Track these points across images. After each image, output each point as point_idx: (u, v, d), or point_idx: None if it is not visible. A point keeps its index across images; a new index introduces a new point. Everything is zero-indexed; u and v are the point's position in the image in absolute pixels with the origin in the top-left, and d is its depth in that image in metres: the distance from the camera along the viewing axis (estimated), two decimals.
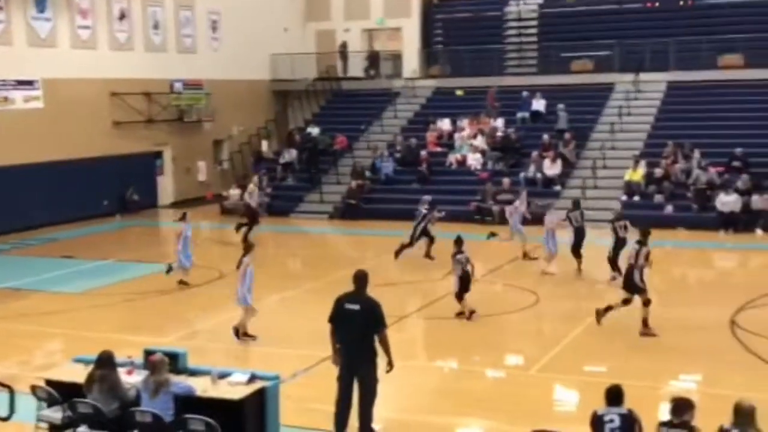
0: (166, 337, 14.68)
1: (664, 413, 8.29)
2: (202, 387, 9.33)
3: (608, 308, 14.67)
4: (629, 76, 31.06)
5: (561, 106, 29.86)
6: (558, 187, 27.14)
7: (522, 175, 27.67)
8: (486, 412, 11.45)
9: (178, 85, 31.36)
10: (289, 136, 33.53)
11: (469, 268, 15.45)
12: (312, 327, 14.51)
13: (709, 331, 14.62)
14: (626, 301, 14.50)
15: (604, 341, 14.32)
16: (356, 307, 9.87)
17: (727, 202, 23.56)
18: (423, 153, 29.68)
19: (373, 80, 35.75)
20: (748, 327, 14.69)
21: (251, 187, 25.30)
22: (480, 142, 29.79)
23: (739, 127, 27.47)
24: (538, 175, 27.46)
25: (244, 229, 23.62)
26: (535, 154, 27.96)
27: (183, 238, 18.30)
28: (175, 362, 9.58)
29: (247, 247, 14.81)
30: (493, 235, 20.38)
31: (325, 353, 12.40)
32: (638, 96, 30.65)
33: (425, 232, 20.87)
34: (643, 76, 30.99)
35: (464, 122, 30.82)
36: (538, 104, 30.71)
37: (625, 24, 33.13)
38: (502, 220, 25.58)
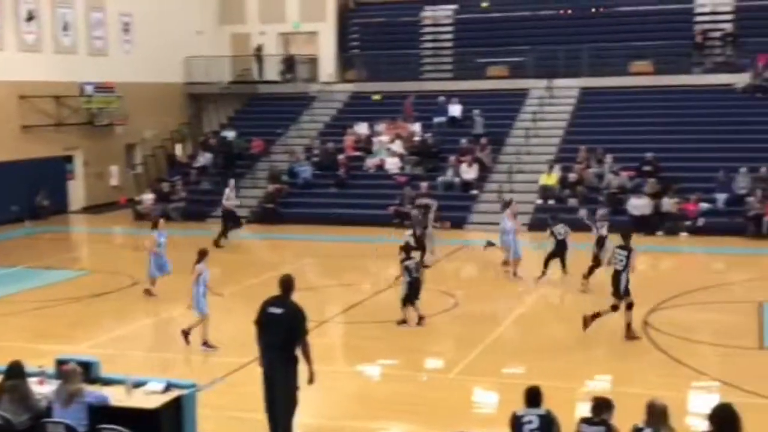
0: (78, 346, 14.28)
1: (582, 413, 8.41)
2: (116, 396, 9.08)
3: (596, 315, 14.49)
4: (543, 82, 31.58)
5: (477, 111, 30.17)
6: (475, 191, 27.41)
7: (440, 179, 27.86)
8: (406, 415, 11.43)
9: (88, 88, 30.57)
10: (204, 140, 33.09)
11: (417, 274, 15.30)
12: (231, 333, 14.36)
13: (622, 331, 14.86)
14: (615, 307, 14.44)
15: (522, 343, 14.48)
16: (279, 311, 9.72)
17: (638, 205, 24.10)
18: (341, 157, 29.62)
19: (289, 84, 35.53)
20: (660, 327, 15.03)
21: (227, 191, 24.94)
22: (398, 146, 29.88)
23: (650, 132, 28.15)
24: (456, 180, 27.69)
25: (220, 233, 23.77)
26: (452, 158, 28.19)
27: (156, 246, 17.68)
28: (88, 371, 9.31)
29: (201, 253, 14.42)
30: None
31: (244, 359, 12.29)
32: (552, 102, 31.19)
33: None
34: (557, 82, 31.54)
35: (381, 126, 30.87)
36: (455, 109, 30.97)
37: (539, 30, 33.69)
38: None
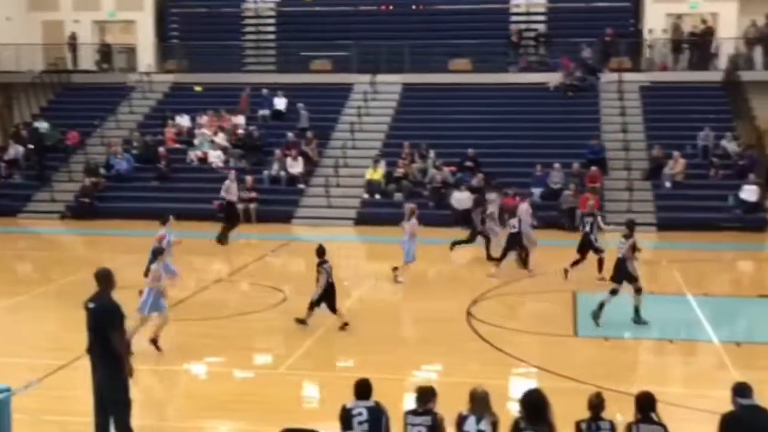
0: None
1: (410, 403, 8.50)
2: None
3: (601, 305, 14.70)
4: (367, 77, 31.84)
5: (301, 104, 30.05)
6: (302, 186, 27.31)
7: (266, 173, 27.57)
8: (235, 413, 11.19)
9: None
10: (15, 132, 31.33)
11: (330, 279, 14.58)
12: (45, 334, 13.62)
13: (447, 323, 15.22)
14: (614, 292, 14.74)
15: (351, 337, 14.48)
16: (93, 306, 9.36)
17: (460, 199, 24.72)
18: (161, 150, 28.75)
19: (105, 74, 34.21)
20: (482, 317, 15.45)
21: (227, 183, 23.62)
22: (221, 139, 29.35)
23: (470, 129, 28.95)
24: (282, 173, 27.48)
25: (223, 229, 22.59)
26: (278, 152, 27.95)
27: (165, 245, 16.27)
28: None
29: (157, 251, 13.88)
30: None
31: (61, 361, 11.67)
32: (376, 97, 31.49)
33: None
34: (380, 77, 31.87)
35: (204, 119, 30.23)
36: (279, 102, 30.73)
37: (362, 26, 33.91)
38: (246, 218, 25.52)
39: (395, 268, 18.31)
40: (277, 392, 11.93)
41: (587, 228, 18.26)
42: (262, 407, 11.26)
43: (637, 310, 14.93)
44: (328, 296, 14.52)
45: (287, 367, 12.95)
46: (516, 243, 18.86)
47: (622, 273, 14.84)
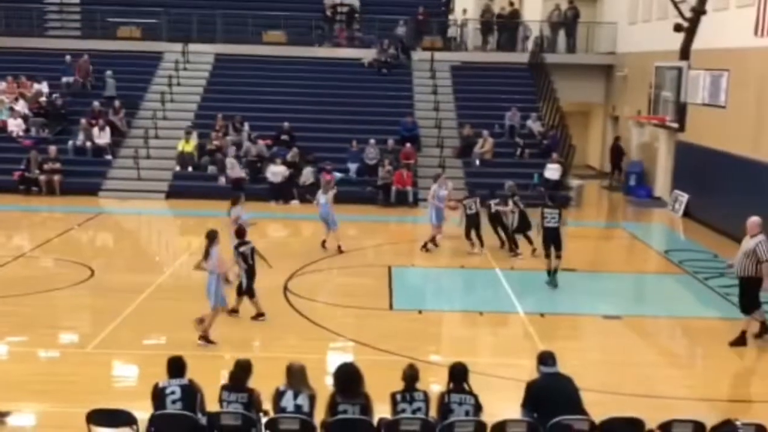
0: None
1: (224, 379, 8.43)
2: None
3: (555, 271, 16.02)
4: (178, 46, 30.94)
5: (108, 72, 28.83)
6: (109, 157, 26.22)
7: (70, 143, 26.29)
8: (39, 395, 10.61)
9: None
10: None
11: (253, 261, 13.73)
12: None
13: (264, 298, 15.02)
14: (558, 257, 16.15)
15: (162, 314, 14.08)
16: None
17: (276, 172, 24.45)
18: None
19: None
20: (299, 292, 15.43)
21: (229, 160, 21.85)
22: (22, 106, 27.70)
23: (285, 102, 28.71)
24: (88, 144, 26.27)
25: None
26: (83, 121, 26.67)
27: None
28: None
29: (211, 235, 12.64)
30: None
31: None
32: (187, 67, 30.65)
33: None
34: (192, 47, 31.04)
35: (2, 85, 28.43)
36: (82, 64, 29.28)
37: None
38: (50, 191, 24.30)
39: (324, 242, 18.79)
40: (85, 372, 11.42)
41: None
42: (68, 388, 10.76)
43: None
44: (251, 279, 13.78)
45: (95, 346, 12.43)
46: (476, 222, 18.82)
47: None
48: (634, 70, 29.12)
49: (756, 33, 20.23)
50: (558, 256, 16.18)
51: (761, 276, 12.69)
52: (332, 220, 18.66)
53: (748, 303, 13.07)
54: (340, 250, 18.54)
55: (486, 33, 32.70)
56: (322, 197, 18.77)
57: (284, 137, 26.68)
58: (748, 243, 12.92)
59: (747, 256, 12.86)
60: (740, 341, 13.04)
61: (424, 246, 18.91)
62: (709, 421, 7.94)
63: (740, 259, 13.00)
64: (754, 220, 13.13)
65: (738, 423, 7.54)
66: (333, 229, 18.72)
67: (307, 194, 23.88)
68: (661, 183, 26.96)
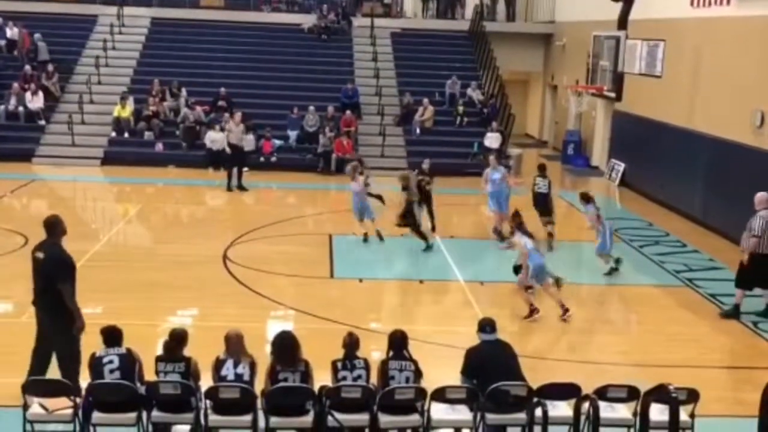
0: None
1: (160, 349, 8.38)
2: None
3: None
4: (113, 9, 30.25)
5: (38, 35, 28.06)
6: (42, 122, 25.63)
7: (2, 107, 25.60)
8: None
9: None
10: None
11: None
12: None
13: (203, 266, 14.96)
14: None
15: (99, 283, 13.87)
16: (41, 255, 8.80)
17: (216, 139, 24.19)
18: None
19: None
20: (238, 261, 15.33)
21: (231, 125, 21.60)
22: None
23: (223, 68, 28.35)
24: (21, 109, 25.61)
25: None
26: (15, 85, 25.97)
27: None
28: None
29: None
30: None
31: None
32: (123, 30, 30.00)
33: None
34: (127, 10, 30.41)
35: None
36: (13, 33, 28.46)
37: None
38: None
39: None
40: (21, 342, 11.19)
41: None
42: (4, 359, 10.55)
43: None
44: None
45: (31, 315, 12.16)
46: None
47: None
48: (572, 40, 29.35)
49: (692, 4, 20.54)
50: (550, 222, 17.10)
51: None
52: (368, 211, 17.12)
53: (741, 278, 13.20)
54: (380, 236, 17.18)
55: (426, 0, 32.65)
56: (354, 185, 17.14)
57: (221, 103, 26.31)
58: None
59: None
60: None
61: (501, 237, 17.16)
62: (644, 386, 8.11)
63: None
64: (760, 195, 13.03)
65: (671, 387, 7.70)
66: (370, 218, 17.20)
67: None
68: (599, 152, 27.34)
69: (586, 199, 15.38)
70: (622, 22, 23.23)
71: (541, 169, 17.58)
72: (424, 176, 17.75)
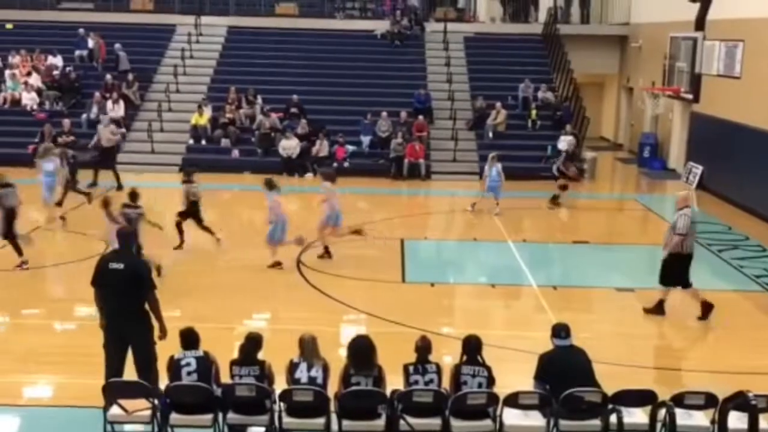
0: None
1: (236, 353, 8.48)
2: None
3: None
4: (190, 19, 30.88)
5: (118, 45, 28.80)
6: (123, 130, 26.26)
7: (84, 116, 26.34)
8: (54, 366, 10.74)
9: None
10: None
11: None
12: None
13: (277, 271, 15.13)
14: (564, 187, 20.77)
15: (178, 285, 14.16)
16: (120, 266, 8.91)
17: (288, 146, 24.43)
18: None
19: None
20: (312, 265, 15.48)
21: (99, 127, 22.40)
22: (35, 80, 27.75)
23: (297, 75, 28.67)
24: (102, 117, 26.28)
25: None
26: (97, 94, 26.71)
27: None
28: None
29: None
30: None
31: None
32: (200, 39, 30.61)
33: None
34: (204, 19, 31.00)
35: (16, 58, 28.46)
36: (93, 44, 29.26)
37: None
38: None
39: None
40: (100, 344, 11.48)
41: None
42: (82, 360, 10.81)
43: None
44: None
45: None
46: None
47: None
48: (648, 41, 28.88)
49: None
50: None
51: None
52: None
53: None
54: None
55: (500, 4, 32.50)
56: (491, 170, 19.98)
57: (294, 110, 26.59)
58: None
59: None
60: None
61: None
62: (722, 393, 7.95)
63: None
64: (682, 194, 13.13)
65: (750, 395, 7.54)
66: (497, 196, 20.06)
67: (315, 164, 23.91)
68: (675, 155, 26.84)
69: (270, 185, 15.23)
70: (700, 23, 22.84)
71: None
72: None
